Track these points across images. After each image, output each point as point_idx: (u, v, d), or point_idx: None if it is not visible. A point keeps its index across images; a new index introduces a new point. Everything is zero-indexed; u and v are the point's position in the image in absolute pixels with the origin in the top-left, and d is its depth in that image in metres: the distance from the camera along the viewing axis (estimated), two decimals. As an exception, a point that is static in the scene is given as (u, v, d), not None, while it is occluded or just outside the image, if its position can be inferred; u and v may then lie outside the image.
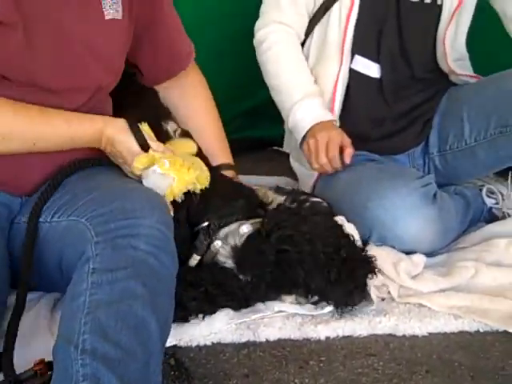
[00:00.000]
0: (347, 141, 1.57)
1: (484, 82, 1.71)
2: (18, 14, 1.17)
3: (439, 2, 1.66)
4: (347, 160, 1.56)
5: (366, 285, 1.35)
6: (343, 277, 1.31)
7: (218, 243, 1.37)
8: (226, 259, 1.36)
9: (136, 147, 1.26)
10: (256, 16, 1.72)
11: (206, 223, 1.38)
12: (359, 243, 1.42)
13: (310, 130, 1.60)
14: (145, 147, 1.26)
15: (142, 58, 1.48)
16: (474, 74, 1.75)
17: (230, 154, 1.64)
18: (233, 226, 1.38)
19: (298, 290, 1.36)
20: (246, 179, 1.68)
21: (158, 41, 1.46)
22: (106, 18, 1.29)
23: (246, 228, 1.36)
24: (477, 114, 1.65)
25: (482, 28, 1.73)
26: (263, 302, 1.37)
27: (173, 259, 1.12)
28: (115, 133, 1.26)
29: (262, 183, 1.79)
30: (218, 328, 1.31)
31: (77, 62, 1.26)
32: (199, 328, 1.30)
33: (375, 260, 1.37)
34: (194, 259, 1.38)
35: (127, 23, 1.35)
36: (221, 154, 1.61)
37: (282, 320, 1.35)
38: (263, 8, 1.71)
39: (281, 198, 1.48)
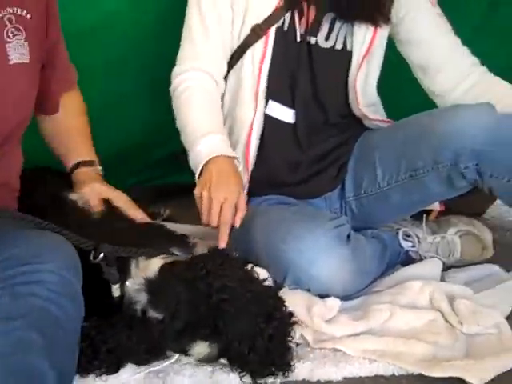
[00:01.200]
0: (242, 203, 1.48)
1: (394, 127, 1.74)
2: None
3: (349, 49, 1.70)
4: (237, 224, 1.47)
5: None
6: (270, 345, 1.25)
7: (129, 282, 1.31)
8: (136, 296, 1.29)
9: None
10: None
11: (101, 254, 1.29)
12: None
13: (206, 164, 1.51)
14: None
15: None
16: (387, 119, 1.79)
17: (94, 153, 1.58)
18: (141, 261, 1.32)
19: (216, 337, 1.28)
20: (170, 227, 1.64)
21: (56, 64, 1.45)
22: (11, 62, 1.25)
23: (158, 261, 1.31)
24: (388, 158, 1.68)
25: (393, 72, 1.77)
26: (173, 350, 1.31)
27: (76, 305, 1.07)
28: None
29: (185, 231, 1.76)
30: (126, 379, 1.25)
31: None
32: (105, 379, 1.24)
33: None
34: (116, 289, 1.31)
35: (34, 64, 1.31)
36: (82, 151, 1.56)
37: (192, 367, 1.30)
38: (180, 54, 1.69)
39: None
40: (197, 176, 1.53)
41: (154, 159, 2.10)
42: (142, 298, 1.28)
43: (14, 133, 1.32)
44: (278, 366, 1.28)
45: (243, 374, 1.27)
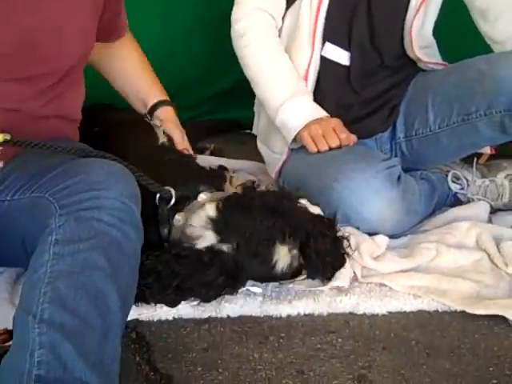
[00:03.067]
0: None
1: (448, 70, 1.74)
2: None
3: None
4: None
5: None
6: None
7: (178, 218, 1.35)
8: (199, 232, 1.32)
9: None
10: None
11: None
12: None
13: (303, 127, 1.61)
14: None
15: None
16: (441, 62, 1.78)
17: (166, 93, 1.68)
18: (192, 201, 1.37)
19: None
20: (216, 161, 1.70)
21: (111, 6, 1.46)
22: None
23: (204, 195, 1.36)
24: (441, 101, 1.68)
25: (451, 15, 1.76)
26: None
27: (137, 232, 1.12)
28: None
29: (232, 166, 1.81)
30: (182, 305, 1.32)
31: (43, 47, 1.25)
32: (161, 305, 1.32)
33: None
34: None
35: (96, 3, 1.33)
36: (155, 92, 1.67)
37: (244, 297, 1.37)
38: None
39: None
40: (290, 140, 1.65)
41: (212, 92, 2.14)
42: (207, 234, 1.32)
43: (76, 66, 1.35)
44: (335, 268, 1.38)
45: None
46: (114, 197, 1.09)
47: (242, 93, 1.81)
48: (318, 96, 1.69)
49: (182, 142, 1.65)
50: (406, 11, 1.69)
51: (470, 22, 1.74)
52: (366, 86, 1.74)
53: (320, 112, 1.63)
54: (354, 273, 1.45)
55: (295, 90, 1.63)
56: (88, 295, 1.01)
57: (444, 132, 1.68)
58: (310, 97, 1.64)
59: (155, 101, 1.68)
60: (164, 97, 1.70)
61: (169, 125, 1.66)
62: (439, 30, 1.77)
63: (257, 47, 1.65)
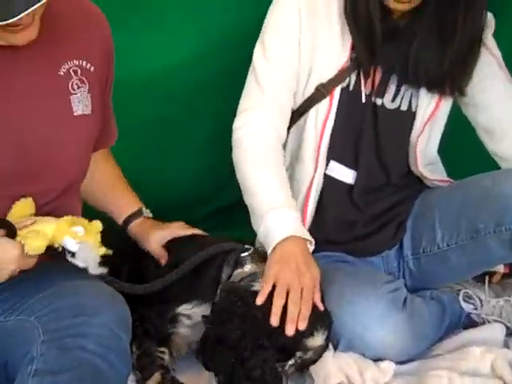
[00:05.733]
0: (318, 291, 1.40)
1: (453, 187, 1.71)
2: None
3: (413, 110, 1.67)
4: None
5: None
6: None
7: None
8: None
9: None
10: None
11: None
12: None
13: (280, 243, 1.43)
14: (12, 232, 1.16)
15: None
16: (446, 178, 1.75)
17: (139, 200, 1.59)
18: None
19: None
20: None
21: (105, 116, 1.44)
22: (75, 114, 1.27)
23: None
24: (448, 218, 1.64)
25: (455, 130, 1.74)
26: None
27: (124, 360, 1.07)
28: None
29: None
30: None
31: (44, 163, 1.25)
32: None
33: None
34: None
35: (96, 115, 1.33)
36: (129, 202, 1.57)
37: None
38: (244, 104, 1.63)
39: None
40: (270, 250, 1.45)
41: (200, 215, 2.03)
42: None
43: (74, 184, 1.34)
44: None
45: None
46: (102, 323, 1.06)
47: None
48: (320, 213, 1.65)
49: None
50: (411, 129, 1.68)
51: (474, 137, 1.72)
52: (370, 203, 1.70)
53: (305, 233, 1.50)
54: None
55: (286, 203, 1.52)
56: None
57: (452, 250, 1.63)
58: (299, 215, 1.54)
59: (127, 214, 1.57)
60: (136, 205, 1.59)
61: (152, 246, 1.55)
62: (444, 145, 1.75)
63: (255, 153, 1.58)
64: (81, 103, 1.28)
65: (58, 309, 1.07)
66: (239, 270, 1.44)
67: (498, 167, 1.70)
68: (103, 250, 1.24)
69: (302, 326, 1.32)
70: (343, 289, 1.48)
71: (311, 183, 1.64)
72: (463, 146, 1.85)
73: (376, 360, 1.47)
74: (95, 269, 1.22)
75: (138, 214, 1.57)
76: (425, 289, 1.69)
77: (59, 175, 1.28)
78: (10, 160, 1.21)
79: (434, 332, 1.58)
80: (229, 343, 1.30)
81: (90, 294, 1.11)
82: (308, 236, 1.49)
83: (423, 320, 1.54)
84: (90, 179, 1.45)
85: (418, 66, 1.59)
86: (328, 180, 1.67)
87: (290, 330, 1.30)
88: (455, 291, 1.73)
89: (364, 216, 1.70)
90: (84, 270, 1.20)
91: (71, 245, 1.20)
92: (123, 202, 1.58)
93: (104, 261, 1.24)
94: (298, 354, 1.34)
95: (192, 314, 1.45)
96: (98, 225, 1.25)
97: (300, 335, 1.31)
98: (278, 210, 1.48)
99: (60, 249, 1.20)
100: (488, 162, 1.71)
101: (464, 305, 1.70)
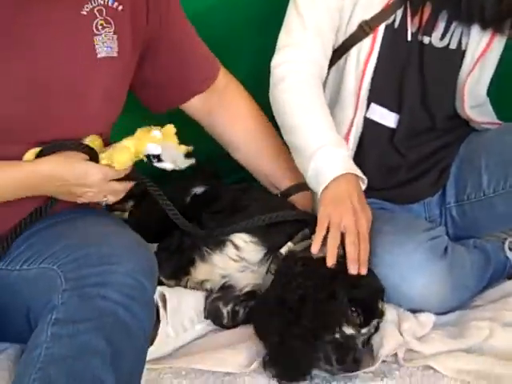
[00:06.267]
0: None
1: (503, 130, 1.62)
2: None
3: (463, 48, 1.58)
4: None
5: None
6: None
7: None
8: None
9: (79, 166, 1.18)
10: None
11: None
12: None
13: (333, 181, 1.39)
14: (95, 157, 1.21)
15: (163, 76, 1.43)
16: (495, 121, 1.66)
17: (295, 171, 1.53)
18: None
19: None
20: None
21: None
22: (99, 56, 1.22)
23: None
24: (496, 163, 1.56)
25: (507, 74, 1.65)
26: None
27: (148, 311, 1.05)
28: (52, 168, 1.16)
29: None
30: None
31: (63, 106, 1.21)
32: None
33: None
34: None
35: (125, 58, 1.28)
36: (284, 174, 1.58)
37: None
38: (283, 41, 1.56)
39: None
40: (319, 192, 1.42)
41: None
42: None
43: (101, 131, 1.29)
44: None
45: None
46: (125, 272, 1.03)
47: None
48: (359, 158, 1.59)
49: None
50: (460, 69, 1.59)
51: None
52: (413, 148, 1.62)
53: (358, 171, 1.45)
54: (395, 354, 1.32)
55: (335, 141, 1.47)
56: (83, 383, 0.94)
57: (499, 197, 1.55)
58: (350, 153, 1.51)
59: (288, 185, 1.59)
60: (295, 179, 1.58)
61: None
62: (493, 87, 1.65)
63: (299, 93, 1.51)
64: (104, 45, 1.23)
65: (81, 257, 1.05)
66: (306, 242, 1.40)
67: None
68: (184, 148, 1.27)
69: (364, 271, 1.31)
70: (380, 237, 1.42)
71: (351, 126, 1.58)
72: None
73: (414, 312, 1.42)
74: (184, 162, 1.27)
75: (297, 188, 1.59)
76: (468, 237, 1.63)
77: (80, 122, 1.23)
78: (25, 102, 1.16)
79: (475, 282, 1.52)
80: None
81: (115, 242, 1.08)
82: (361, 174, 1.44)
83: (465, 269, 1.48)
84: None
85: (472, 1, 1.49)
86: (368, 123, 1.60)
87: (353, 269, 1.29)
88: (501, 240, 1.67)
89: (406, 161, 1.63)
90: (109, 218, 1.19)
91: (154, 148, 1.24)
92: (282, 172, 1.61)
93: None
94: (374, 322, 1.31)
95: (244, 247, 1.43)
96: (172, 128, 1.28)
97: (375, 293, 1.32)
98: (329, 148, 1.43)
99: (145, 159, 1.25)
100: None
101: (509, 254, 1.64)
